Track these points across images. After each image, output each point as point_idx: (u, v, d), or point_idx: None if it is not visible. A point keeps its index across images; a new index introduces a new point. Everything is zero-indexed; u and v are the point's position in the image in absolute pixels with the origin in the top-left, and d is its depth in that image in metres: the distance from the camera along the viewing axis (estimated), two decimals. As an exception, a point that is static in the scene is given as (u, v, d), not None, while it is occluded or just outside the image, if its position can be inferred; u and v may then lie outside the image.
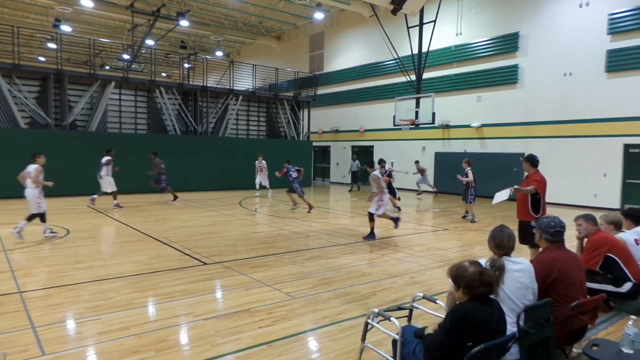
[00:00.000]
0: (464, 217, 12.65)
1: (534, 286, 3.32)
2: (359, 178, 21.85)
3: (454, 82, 19.76)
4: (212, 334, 4.22)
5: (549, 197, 16.97)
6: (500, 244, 3.39)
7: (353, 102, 25.00)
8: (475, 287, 2.70)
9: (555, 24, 16.34)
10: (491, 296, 2.83)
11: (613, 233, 5.21)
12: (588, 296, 3.70)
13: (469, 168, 12.38)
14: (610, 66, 14.84)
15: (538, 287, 3.39)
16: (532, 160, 6.58)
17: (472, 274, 2.72)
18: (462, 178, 12.42)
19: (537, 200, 6.34)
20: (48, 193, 13.37)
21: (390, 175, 14.29)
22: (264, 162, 17.73)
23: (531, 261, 3.63)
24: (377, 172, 9.60)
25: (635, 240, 5.10)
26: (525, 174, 6.69)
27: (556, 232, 3.77)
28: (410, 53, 16.94)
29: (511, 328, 2.95)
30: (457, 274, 2.77)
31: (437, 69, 20.03)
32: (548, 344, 3.11)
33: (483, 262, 3.25)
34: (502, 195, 6.55)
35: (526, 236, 6.20)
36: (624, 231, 5.30)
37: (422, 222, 12.33)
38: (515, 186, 6.61)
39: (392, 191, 13.40)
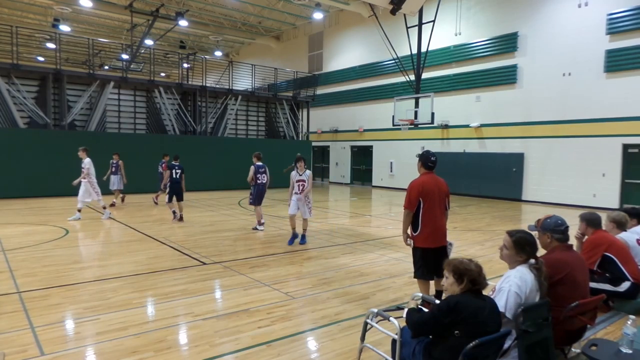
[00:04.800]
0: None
1: None
2: None
3: (453, 82, 19.77)
4: (211, 334, 4.22)
5: (548, 197, 17.17)
6: (536, 247, 3.33)
7: (352, 102, 25.00)
8: (480, 282, 2.84)
9: (554, 24, 16.36)
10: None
11: (615, 232, 5.19)
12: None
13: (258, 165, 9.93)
14: (609, 66, 14.85)
15: None
16: (423, 159, 5.03)
17: (477, 270, 2.86)
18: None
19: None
20: (47, 193, 13.56)
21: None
22: (121, 161, 14.15)
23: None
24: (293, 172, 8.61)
25: (637, 241, 5.08)
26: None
27: (566, 228, 3.72)
28: (409, 53, 16.94)
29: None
30: (464, 269, 2.87)
31: (436, 69, 20.04)
32: (547, 343, 3.12)
33: (525, 269, 3.21)
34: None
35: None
36: (626, 231, 5.28)
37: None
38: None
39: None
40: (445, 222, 5.04)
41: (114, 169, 14.01)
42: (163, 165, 14.47)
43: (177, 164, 11.28)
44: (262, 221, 10.11)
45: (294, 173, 8.49)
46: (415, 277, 5.06)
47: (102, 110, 18.23)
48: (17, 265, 6.65)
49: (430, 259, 4.87)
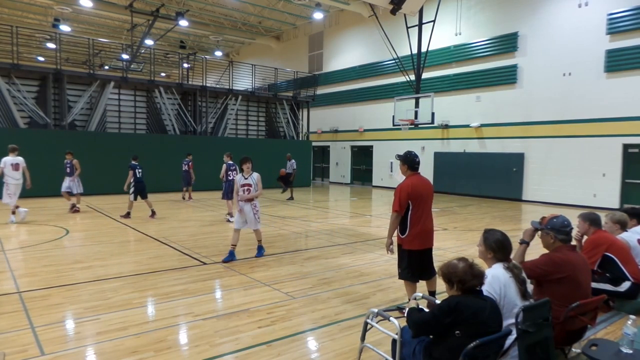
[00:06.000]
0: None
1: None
2: (292, 182, 17.16)
3: (453, 82, 19.77)
4: (211, 334, 4.22)
5: (548, 197, 17.16)
6: (510, 249, 3.29)
7: (352, 102, 25.00)
8: (468, 280, 2.78)
9: (554, 24, 16.35)
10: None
11: (618, 232, 5.17)
12: (587, 296, 3.69)
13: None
14: (609, 66, 14.85)
15: (534, 281, 3.41)
16: (410, 161, 4.98)
17: (463, 268, 2.81)
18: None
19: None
20: (47, 193, 13.58)
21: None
22: (75, 160, 12.31)
23: (542, 256, 3.62)
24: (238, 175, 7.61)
25: (638, 241, 5.07)
26: (401, 179, 5.03)
27: (570, 230, 3.72)
28: (409, 53, 16.93)
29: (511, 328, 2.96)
30: (449, 272, 2.84)
31: (436, 69, 20.04)
32: (547, 343, 3.11)
33: (498, 266, 3.18)
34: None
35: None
36: (627, 231, 5.28)
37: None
38: None
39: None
40: (432, 224, 4.99)
41: (68, 170, 12.22)
42: (190, 164, 15.62)
43: (137, 164, 11.74)
44: (232, 213, 10.99)
45: (238, 176, 7.39)
46: (399, 277, 5.01)
47: (103, 110, 18.24)
48: (17, 265, 6.65)
49: (416, 260, 4.83)
